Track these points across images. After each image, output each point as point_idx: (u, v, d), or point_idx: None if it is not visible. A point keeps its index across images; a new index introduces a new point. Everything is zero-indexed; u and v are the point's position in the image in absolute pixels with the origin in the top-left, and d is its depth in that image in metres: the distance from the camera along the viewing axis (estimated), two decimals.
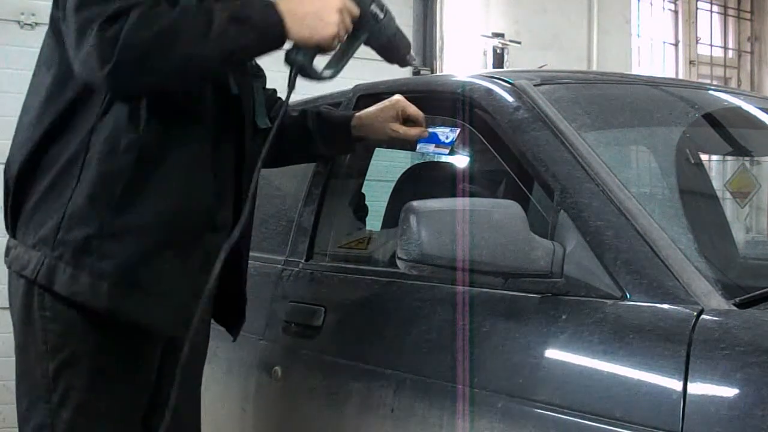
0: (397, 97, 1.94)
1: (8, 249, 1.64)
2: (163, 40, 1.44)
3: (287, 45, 1.61)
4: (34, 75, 1.67)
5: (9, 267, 1.63)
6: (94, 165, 1.53)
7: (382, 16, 1.70)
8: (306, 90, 1.91)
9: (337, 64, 1.72)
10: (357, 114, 1.98)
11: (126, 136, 1.53)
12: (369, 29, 1.70)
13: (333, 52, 1.70)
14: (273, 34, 1.55)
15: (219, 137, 1.65)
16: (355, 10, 1.65)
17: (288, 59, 1.64)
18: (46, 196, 1.56)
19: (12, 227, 1.64)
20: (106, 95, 1.52)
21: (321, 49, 1.63)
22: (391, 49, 1.76)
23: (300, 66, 1.63)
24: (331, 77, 1.71)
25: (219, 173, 1.65)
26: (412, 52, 1.80)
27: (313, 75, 1.66)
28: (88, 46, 1.42)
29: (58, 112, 1.57)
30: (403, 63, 1.80)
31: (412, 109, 1.92)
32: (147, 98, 1.53)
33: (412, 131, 1.91)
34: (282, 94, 2.05)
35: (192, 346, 1.74)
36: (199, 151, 1.60)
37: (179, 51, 1.46)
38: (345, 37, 1.66)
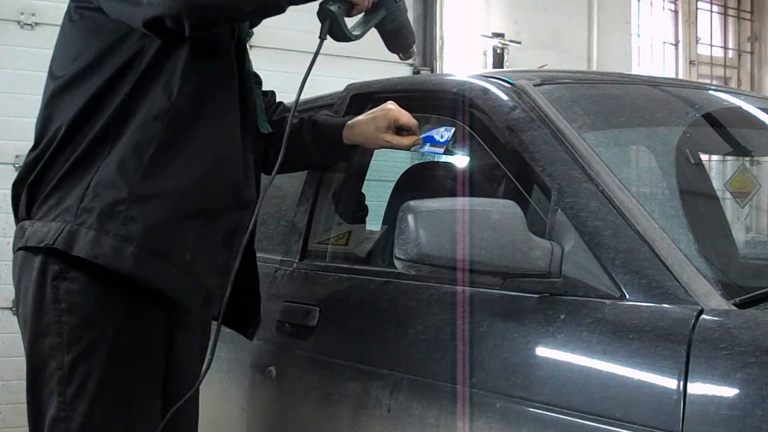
0: (389, 105, 1.92)
1: (23, 230, 1.64)
2: None
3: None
4: (53, 77, 1.69)
5: (23, 246, 1.62)
6: (126, 135, 1.56)
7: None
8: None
9: (361, 29, 1.78)
10: (349, 123, 1.96)
11: (159, 104, 1.57)
12: (387, 7, 1.75)
13: (356, 20, 1.75)
14: None
15: (243, 121, 1.69)
16: None
17: (321, 10, 1.69)
18: (72, 171, 1.59)
19: (27, 208, 1.65)
20: (137, 74, 1.57)
21: (351, 6, 1.70)
22: (401, 35, 1.81)
23: (333, 17, 1.67)
24: (357, 38, 1.77)
25: (246, 152, 1.68)
26: (414, 47, 1.83)
27: (342, 29, 1.72)
28: None
29: (90, 94, 1.60)
30: (407, 53, 1.83)
31: (405, 118, 1.89)
32: (180, 67, 1.58)
33: (405, 140, 1.89)
34: (279, 95, 2.05)
35: (194, 342, 1.75)
36: (229, 125, 1.64)
37: None
38: (371, 4, 1.73)
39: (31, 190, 1.64)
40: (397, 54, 1.89)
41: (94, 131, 1.58)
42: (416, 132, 1.90)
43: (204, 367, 1.63)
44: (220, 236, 1.63)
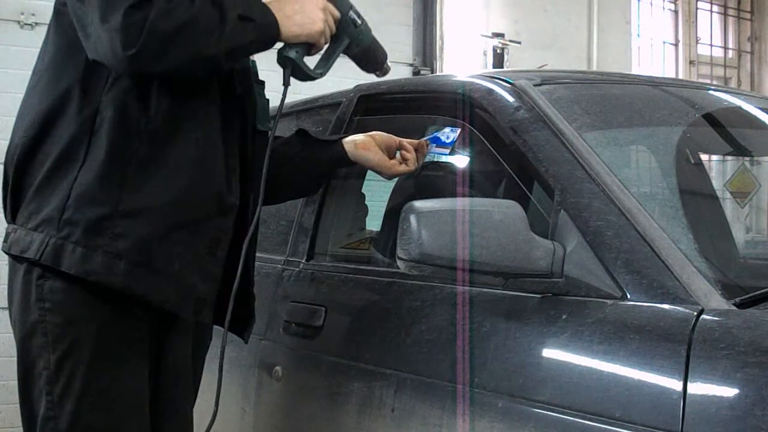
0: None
1: (7, 234, 1.64)
2: (183, 32, 1.51)
3: (277, 45, 1.68)
4: (34, 69, 1.69)
5: (8, 251, 1.63)
6: (103, 146, 1.56)
7: (359, 22, 1.76)
8: (303, 89, 1.91)
9: (324, 65, 1.77)
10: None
11: (137, 118, 1.57)
12: (349, 34, 1.76)
13: (320, 53, 1.74)
14: (270, 33, 1.63)
15: (226, 126, 1.68)
16: (336, 13, 1.72)
17: (281, 58, 1.69)
18: (49, 178, 1.58)
19: (12, 212, 1.65)
20: (109, 78, 1.57)
21: (310, 46, 1.69)
22: (369, 56, 1.81)
23: (293, 63, 1.68)
24: (322, 75, 1.77)
25: (228, 158, 1.68)
26: (389, 62, 1.84)
27: (305, 72, 1.71)
28: (113, 29, 1.48)
29: (58, 95, 1.60)
30: (382, 71, 1.84)
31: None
32: (156, 81, 1.58)
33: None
34: (278, 95, 2.05)
35: (186, 343, 1.75)
36: (209, 134, 1.64)
37: (196, 43, 1.53)
38: (330, 37, 1.73)
39: (14, 194, 1.65)
40: (374, 73, 1.89)
41: (67, 136, 1.57)
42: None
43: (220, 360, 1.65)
44: (206, 244, 1.64)
